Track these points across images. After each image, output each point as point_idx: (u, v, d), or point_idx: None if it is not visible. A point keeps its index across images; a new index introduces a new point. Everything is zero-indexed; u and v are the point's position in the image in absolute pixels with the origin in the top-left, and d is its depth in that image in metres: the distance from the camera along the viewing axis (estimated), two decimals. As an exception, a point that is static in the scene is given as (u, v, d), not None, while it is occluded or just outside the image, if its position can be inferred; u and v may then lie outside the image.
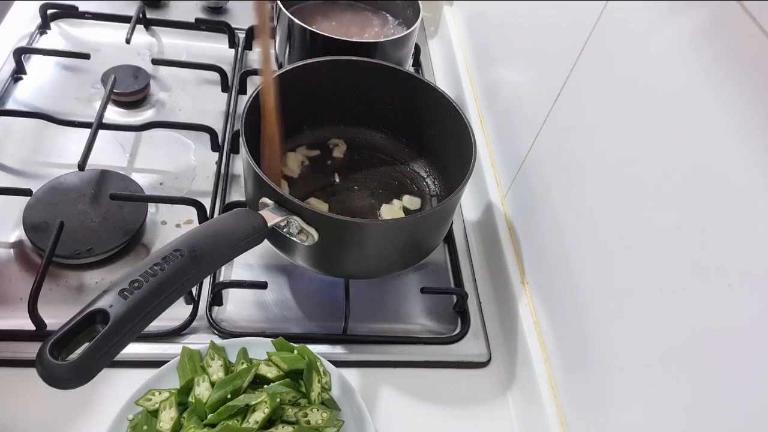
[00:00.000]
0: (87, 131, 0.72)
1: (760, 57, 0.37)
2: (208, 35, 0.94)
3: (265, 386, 0.56)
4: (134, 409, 0.53)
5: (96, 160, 0.72)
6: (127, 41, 0.85)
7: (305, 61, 0.68)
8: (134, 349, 0.59)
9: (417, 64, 0.99)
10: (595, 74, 0.56)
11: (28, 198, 0.67)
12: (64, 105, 0.80)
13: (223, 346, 0.58)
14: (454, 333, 0.68)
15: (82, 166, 0.68)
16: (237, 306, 0.65)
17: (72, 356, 0.38)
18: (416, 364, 0.65)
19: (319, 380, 0.56)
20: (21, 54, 0.82)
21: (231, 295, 0.66)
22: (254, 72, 0.88)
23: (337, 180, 0.73)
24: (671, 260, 0.43)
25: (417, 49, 0.95)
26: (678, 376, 0.42)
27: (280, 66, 0.84)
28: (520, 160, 0.71)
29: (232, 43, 0.94)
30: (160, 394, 0.54)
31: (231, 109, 0.84)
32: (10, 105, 0.79)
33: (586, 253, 0.55)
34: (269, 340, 0.59)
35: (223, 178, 0.75)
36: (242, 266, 0.69)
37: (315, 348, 0.60)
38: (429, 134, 0.74)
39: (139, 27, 0.92)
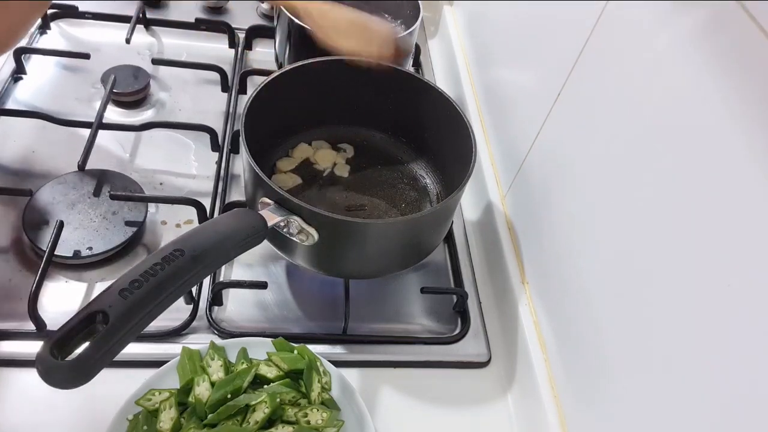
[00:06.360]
0: (87, 131, 0.72)
1: (760, 57, 0.37)
2: (208, 35, 0.94)
3: (265, 386, 0.56)
4: (134, 408, 0.53)
5: (96, 160, 0.72)
6: (127, 41, 0.85)
7: (305, 61, 0.68)
8: (134, 349, 0.59)
9: (417, 64, 0.99)
10: (595, 74, 0.56)
11: (28, 198, 0.67)
12: (64, 105, 0.81)
13: (223, 346, 0.58)
14: (454, 333, 0.68)
15: (82, 166, 0.68)
16: (237, 306, 0.66)
17: (72, 356, 0.38)
18: (416, 364, 0.65)
19: (319, 380, 0.56)
20: (21, 54, 0.82)
21: (231, 295, 0.66)
22: (254, 72, 0.88)
23: (336, 180, 0.73)
24: (671, 260, 0.43)
25: (417, 49, 0.95)
26: (678, 376, 0.42)
27: (280, 66, 0.84)
28: (520, 160, 0.71)
29: (232, 43, 0.94)
30: (160, 393, 0.54)
31: (231, 109, 0.84)
32: (10, 105, 0.79)
33: (586, 253, 0.55)
34: (269, 340, 0.59)
35: (223, 178, 0.75)
36: (242, 266, 0.69)
37: (315, 348, 0.60)
38: (429, 134, 0.74)
39: (139, 27, 0.92)
